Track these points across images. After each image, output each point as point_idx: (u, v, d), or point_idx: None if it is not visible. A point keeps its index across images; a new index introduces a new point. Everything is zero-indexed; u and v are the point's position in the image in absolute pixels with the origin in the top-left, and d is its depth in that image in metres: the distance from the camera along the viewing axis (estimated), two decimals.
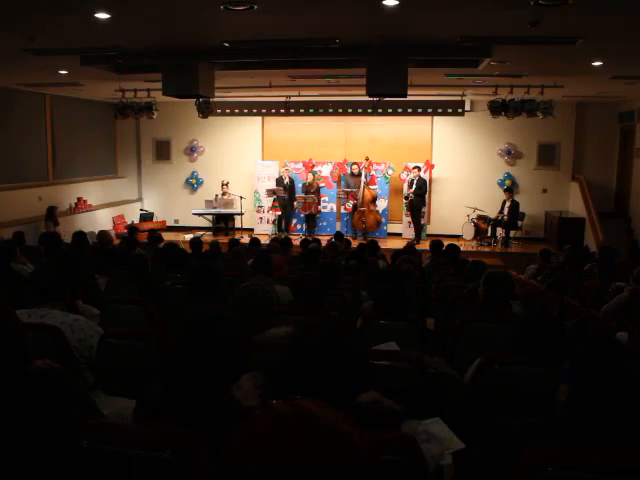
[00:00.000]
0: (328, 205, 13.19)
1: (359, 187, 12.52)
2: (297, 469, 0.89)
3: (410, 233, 12.65)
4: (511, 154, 13.09)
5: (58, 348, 2.76)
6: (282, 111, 12.03)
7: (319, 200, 12.75)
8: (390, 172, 13.02)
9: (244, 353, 1.93)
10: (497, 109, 9.59)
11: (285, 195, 12.55)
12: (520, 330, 2.74)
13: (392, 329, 3.50)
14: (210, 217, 13.34)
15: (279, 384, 1.75)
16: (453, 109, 11.99)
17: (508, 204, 11.97)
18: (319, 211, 12.88)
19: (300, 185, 12.91)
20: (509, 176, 13.11)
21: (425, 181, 12.37)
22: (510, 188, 12.48)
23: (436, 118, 13.05)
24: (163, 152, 14.34)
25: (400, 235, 12.93)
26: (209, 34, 6.31)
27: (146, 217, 13.84)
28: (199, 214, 13.25)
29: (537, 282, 6.70)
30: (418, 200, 12.25)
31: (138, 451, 1.61)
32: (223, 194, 13.13)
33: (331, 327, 1.87)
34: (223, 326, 1.91)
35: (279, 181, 12.71)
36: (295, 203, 12.79)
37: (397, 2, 4.81)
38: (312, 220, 12.80)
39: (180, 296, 4.32)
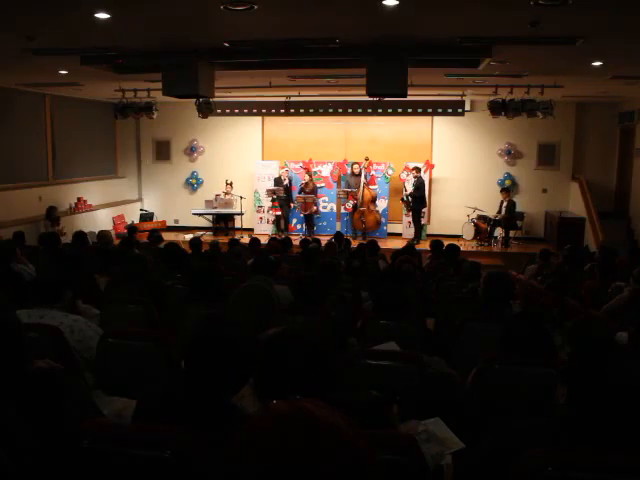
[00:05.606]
0: (328, 205, 13.17)
1: (359, 187, 12.52)
2: (297, 469, 0.89)
3: (410, 233, 12.64)
4: (511, 154, 13.08)
5: (58, 348, 2.77)
6: (282, 111, 12.02)
7: (316, 201, 12.73)
8: (390, 172, 13.01)
9: (254, 357, 1.89)
10: (497, 109, 9.60)
11: (283, 195, 12.57)
12: (505, 330, 2.75)
13: (392, 329, 3.51)
14: (210, 217, 13.34)
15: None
16: (453, 109, 11.99)
17: (505, 204, 11.97)
18: (317, 211, 12.87)
19: (298, 185, 12.91)
20: (509, 176, 13.10)
21: (423, 182, 12.33)
22: (506, 188, 12.46)
23: (436, 118, 13.04)
24: (163, 152, 14.33)
25: (400, 235, 12.93)
26: (209, 34, 6.31)
27: (146, 217, 13.83)
28: (199, 214, 13.25)
29: (537, 282, 6.70)
30: (416, 201, 12.22)
31: (138, 451, 1.61)
32: (226, 193, 13.12)
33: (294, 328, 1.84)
34: (237, 329, 1.87)
35: (277, 181, 12.70)
36: (291, 202, 12.79)
37: (397, 2, 4.81)
38: (311, 220, 12.81)
39: (180, 296, 4.32)
